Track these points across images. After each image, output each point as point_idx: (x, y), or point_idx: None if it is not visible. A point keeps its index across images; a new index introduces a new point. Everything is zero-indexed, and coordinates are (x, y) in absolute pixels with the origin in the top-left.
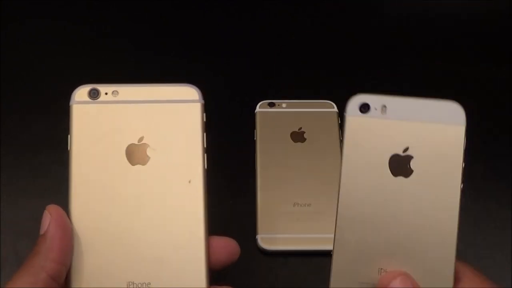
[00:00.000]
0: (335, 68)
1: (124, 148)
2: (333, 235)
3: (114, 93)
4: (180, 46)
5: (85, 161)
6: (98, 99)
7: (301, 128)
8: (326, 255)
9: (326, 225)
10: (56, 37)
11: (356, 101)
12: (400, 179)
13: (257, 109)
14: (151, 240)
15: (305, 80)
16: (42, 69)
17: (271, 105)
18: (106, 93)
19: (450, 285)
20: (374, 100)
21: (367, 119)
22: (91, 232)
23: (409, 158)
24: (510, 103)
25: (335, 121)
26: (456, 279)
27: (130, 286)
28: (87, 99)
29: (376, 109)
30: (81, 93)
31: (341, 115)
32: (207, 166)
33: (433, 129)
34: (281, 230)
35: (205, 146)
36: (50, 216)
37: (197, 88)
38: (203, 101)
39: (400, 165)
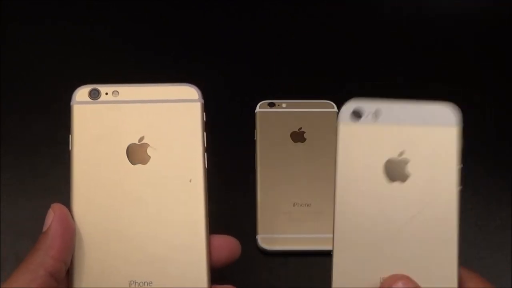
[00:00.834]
0: (335, 68)
1: (125, 148)
2: (331, 240)
3: (115, 93)
4: (180, 46)
5: (86, 161)
6: (99, 99)
7: (301, 128)
8: (326, 255)
9: (326, 225)
10: (56, 37)
11: (348, 107)
12: (397, 184)
13: (257, 109)
14: (153, 239)
15: (305, 80)
16: (42, 69)
17: (271, 105)
18: (106, 93)
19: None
20: (366, 105)
21: (360, 124)
22: (93, 232)
23: (405, 162)
24: (510, 103)
25: (335, 121)
26: (462, 284)
27: (132, 285)
28: (88, 99)
29: (369, 114)
30: (81, 93)
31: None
32: (207, 165)
33: (427, 131)
34: (281, 230)
35: (205, 145)
36: (53, 214)
37: (197, 88)
38: (203, 101)
39: (396, 170)
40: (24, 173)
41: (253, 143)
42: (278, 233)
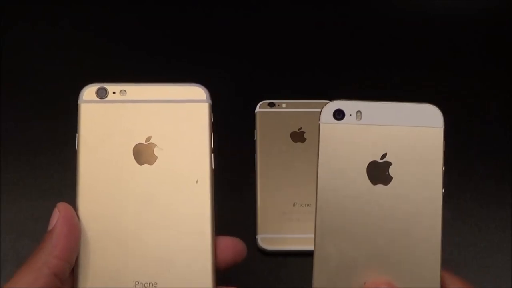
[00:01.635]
0: (335, 68)
1: (132, 148)
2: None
3: (122, 92)
4: (180, 46)
5: (92, 160)
6: (106, 98)
7: (301, 128)
8: None
9: None
10: (57, 38)
11: (330, 108)
12: (380, 187)
13: (257, 109)
14: (158, 240)
15: (305, 80)
16: (43, 69)
17: (271, 105)
18: (114, 92)
19: None
20: (348, 106)
21: (342, 125)
22: (98, 231)
23: (388, 164)
24: (510, 103)
25: None
26: (443, 285)
27: (137, 286)
28: (95, 98)
29: (351, 115)
30: (89, 92)
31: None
32: (214, 166)
33: (410, 133)
34: (281, 230)
35: (212, 146)
36: (59, 213)
37: (205, 88)
38: (210, 101)
39: (379, 172)
40: (24, 173)
41: (253, 143)
42: (278, 233)
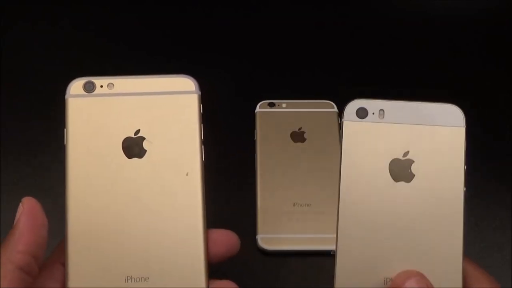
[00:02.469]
0: (335, 68)
1: (121, 141)
2: (331, 240)
3: (110, 85)
4: (180, 45)
5: (81, 155)
6: (94, 92)
7: (301, 128)
8: (326, 255)
9: (326, 225)
10: (57, 38)
11: (353, 106)
12: (402, 184)
13: (257, 109)
14: (149, 234)
15: (305, 80)
16: (43, 69)
17: (271, 105)
18: (101, 86)
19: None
20: (371, 104)
21: (365, 124)
22: (88, 226)
23: (410, 162)
24: (510, 103)
25: (335, 121)
26: (465, 280)
27: (128, 281)
28: (83, 92)
29: (373, 113)
30: (76, 86)
31: (341, 115)
32: (204, 159)
33: (432, 131)
34: (281, 230)
35: (202, 138)
36: (22, 208)
37: (193, 79)
38: (199, 92)
39: (401, 169)
40: (24, 173)
41: (253, 143)
42: (278, 233)
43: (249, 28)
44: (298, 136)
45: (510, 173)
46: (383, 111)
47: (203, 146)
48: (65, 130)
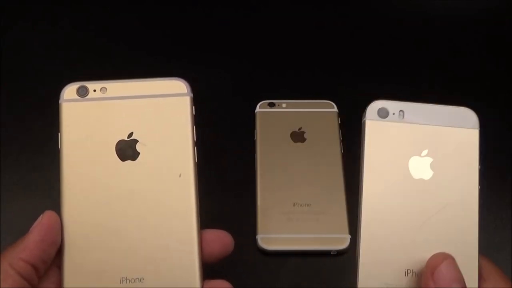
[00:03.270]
0: (335, 68)
1: (114, 144)
2: (331, 240)
3: (103, 89)
4: (180, 45)
5: (75, 158)
6: (87, 97)
7: (301, 128)
8: (326, 255)
9: (326, 225)
10: (57, 38)
11: (374, 106)
12: (421, 180)
13: (257, 109)
14: (143, 235)
15: (304, 80)
16: (43, 69)
17: (271, 105)
18: (94, 90)
19: (475, 284)
20: (391, 105)
21: (386, 123)
22: (83, 229)
23: (428, 160)
24: (510, 103)
25: (335, 121)
26: (480, 276)
27: (123, 282)
28: (76, 96)
29: (394, 113)
30: (69, 91)
31: (341, 115)
32: (197, 160)
33: (450, 132)
34: (281, 230)
35: (195, 139)
36: (40, 219)
37: (185, 81)
38: (192, 95)
39: (420, 166)
40: (24, 173)
41: (253, 143)
42: (278, 233)
43: (249, 28)
44: (298, 136)
45: (510, 173)
46: (403, 111)
47: (195, 148)
48: (59, 134)
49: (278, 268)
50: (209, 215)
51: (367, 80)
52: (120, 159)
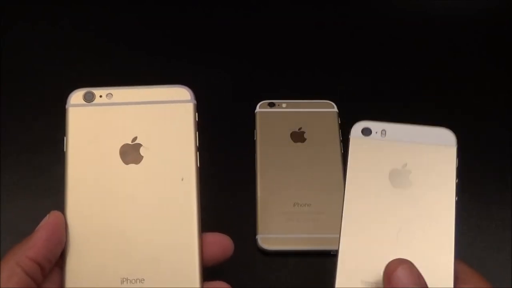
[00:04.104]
0: (335, 68)
1: (118, 148)
2: (331, 240)
3: (109, 95)
4: (180, 45)
5: (80, 161)
6: (93, 102)
7: (301, 128)
8: (326, 255)
9: (326, 225)
10: (57, 38)
11: (359, 126)
12: (400, 190)
13: (257, 109)
14: (145, 238)
15: (304, 80)
16: (43, 69)
17: (271, 105)
18: (100, 96)
19: (450, 285)
20: (374, 125)
21: (369, 140)
22: (86, 230)
23: (408, 172)
24: (510, 103)
25: (335, 121)
26: (456, 278)
27: (124, 283)
28: (82, 102)
29: (376, 132)
30: (76, 96)
31: (341, 115)
32: (200, 164)
33: (428, 149)
34: (281, 230)
35: (197, 144)
36: (47, 219)
37: (189, 89)
38: (195, 101)
39: (399, 178)
40: (24, 173)
41: (253, 143)
42: (278, 233)
43: (249, 28)
44: (298, 136)
45: (510, 173)
46: (385, 130)
47: (198, 153)
48: (64, 138)
49: (278, 268)
50: (209, 215)
51: (367, 80)
52: (124, 162)
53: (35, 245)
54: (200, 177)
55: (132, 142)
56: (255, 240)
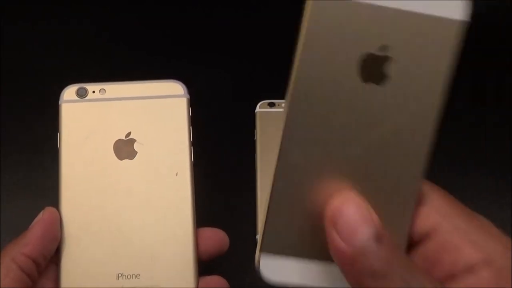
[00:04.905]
0: None
1: (112, 144)
2: None
3: (102, 91)
4: (180, 45)
5: (74, 157)
6: (86, 98)
7: None
8: None
9: None
10: (57, 38)
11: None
12: (371, 85)
13: (257, 109)
14: (140, 233)
15: None
16: (43, 69)
17: (271, 105)
18: (93, 92)
19: (411, 208)
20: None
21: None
22: (81, 226)
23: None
24: (510, 103)
25: None
26: (420, 200)
27: (120, 278)
28: (76, 97)
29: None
30: (69, 92)
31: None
32: (197, 160)
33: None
34: None
35: (191, 139)
36: (41, 215)
37: (182, 83)
38: (188, 96)
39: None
40: (24, 173)
41: (253, 143)
42: None
43: (249, 28)
44: None
45: (510, 173)
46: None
47: (192, 147)
48: (58, 134)
49: None
50: (209, 215)
51: None
52: (118, 158)
53: (30, 242)
54: (199, 173)
55: (126, 137)
56: (255, 240)
